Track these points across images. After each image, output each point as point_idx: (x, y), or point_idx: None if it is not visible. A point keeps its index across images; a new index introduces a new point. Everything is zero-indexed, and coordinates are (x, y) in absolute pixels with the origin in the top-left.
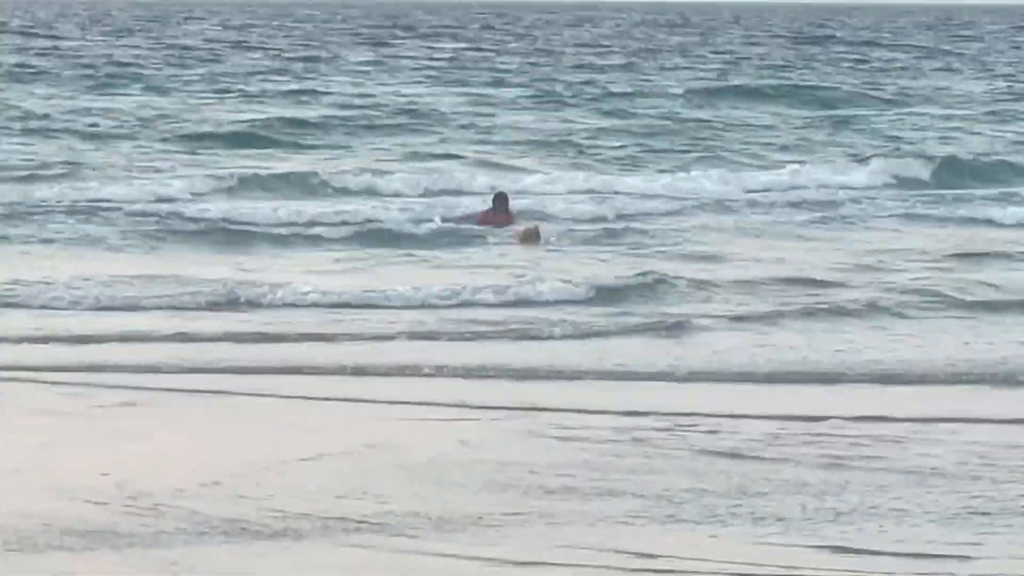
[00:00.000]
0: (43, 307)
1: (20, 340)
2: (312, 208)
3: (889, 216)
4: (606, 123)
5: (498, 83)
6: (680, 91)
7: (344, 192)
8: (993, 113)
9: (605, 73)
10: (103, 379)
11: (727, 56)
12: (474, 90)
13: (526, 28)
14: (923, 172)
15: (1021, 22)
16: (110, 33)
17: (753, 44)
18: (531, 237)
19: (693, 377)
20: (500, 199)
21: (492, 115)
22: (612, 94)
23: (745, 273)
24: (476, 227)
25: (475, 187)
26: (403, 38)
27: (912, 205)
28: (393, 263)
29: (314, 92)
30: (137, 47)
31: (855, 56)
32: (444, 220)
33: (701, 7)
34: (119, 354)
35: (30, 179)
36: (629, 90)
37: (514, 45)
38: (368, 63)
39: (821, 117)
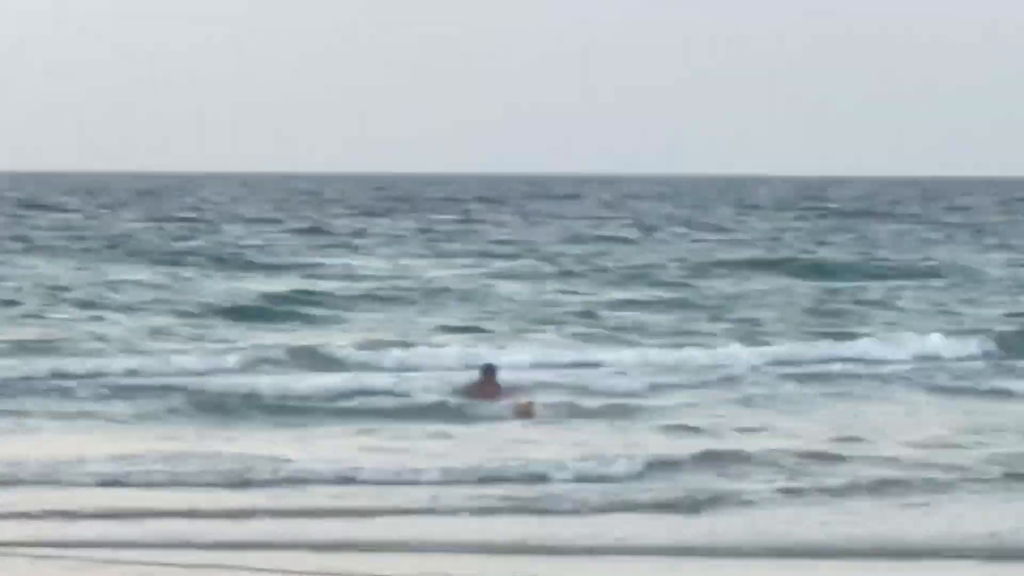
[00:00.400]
0: (55, 483)
1: (28, 515)
2: (312, 382)
3: (934, 390)
4: (613, 296)
5: (496, 256)
6: (683, 262)
7: (343, 365)
8: (1003, 283)
9: (606, 244)
10: (106, 555)
11: (728, 227)
12: (471, 261)
13: (520, 202)
14: (968, 347)
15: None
16: (110, 206)
17: (746, 216)
18: (526, 411)
19: (690, 552)
20: (488, 370)
21: (491, 287)
22: (619, 266)
23: (768, 444)
24: (466, 400)
25: (472, 359)
26: (401, 211)
27: (963, 379)
28: (406, 438)
29: (315, 265)
30: (138, 220)
31: (856, 228)
32: (448, 392)
33: (691, 179)
34: (123, 530)
35: (37, 353)
36: (637, 263)
37: (510, 218)
38: (367, 235)
39: (826, 289)
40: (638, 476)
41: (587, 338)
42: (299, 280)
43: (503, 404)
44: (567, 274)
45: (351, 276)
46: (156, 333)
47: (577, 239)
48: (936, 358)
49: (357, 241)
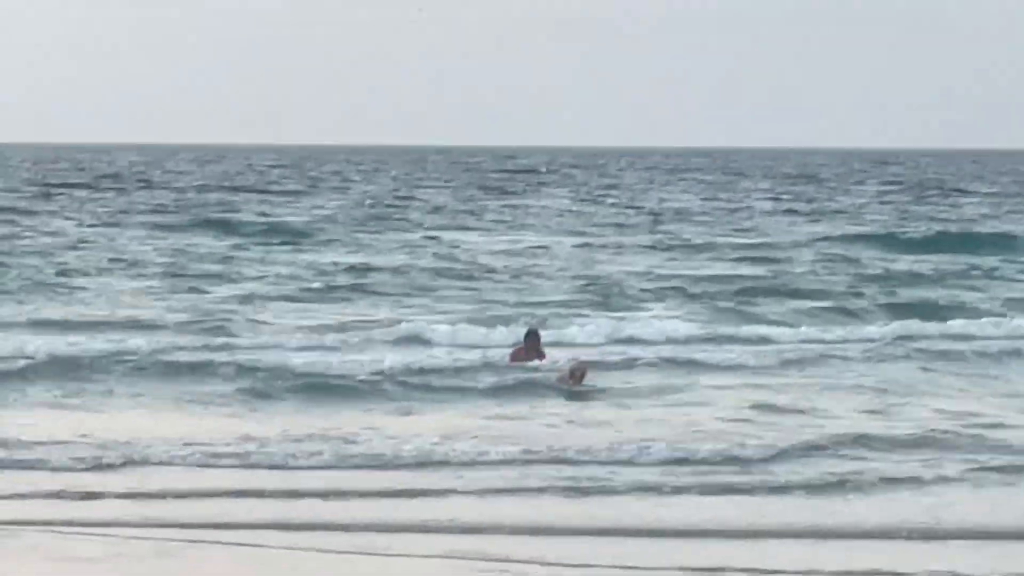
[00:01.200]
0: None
1: (128, 495)
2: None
3: None
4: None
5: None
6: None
7: (430, 343)
8: None
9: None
10: (188, 536)
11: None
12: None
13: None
14: None
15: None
16: (181, 173)
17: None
18: (578, 375)
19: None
20: (532, 336)
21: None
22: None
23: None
24: (510, 364)
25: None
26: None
27: None
28: (493, 417)
29: (380, 242)
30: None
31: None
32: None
33: (721, 152)
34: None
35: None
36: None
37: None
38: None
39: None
40: (771, 459)
41: (694, 313)
42: (366, 255)
43: (551, 369)
44: (651, 248)
45: (420, 254)
46: (257, 314)
47: (648, 211)
48: None
49: (420, 220)
